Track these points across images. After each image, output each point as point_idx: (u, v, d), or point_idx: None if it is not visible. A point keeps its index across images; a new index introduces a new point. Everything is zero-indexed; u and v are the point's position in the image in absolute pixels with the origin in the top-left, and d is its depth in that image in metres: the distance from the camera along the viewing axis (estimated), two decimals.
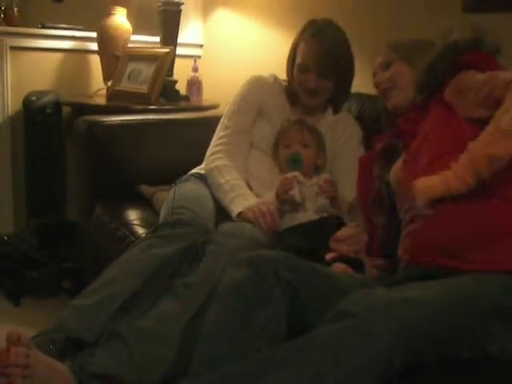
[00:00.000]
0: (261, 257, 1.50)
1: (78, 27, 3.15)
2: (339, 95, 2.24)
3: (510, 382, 1.34)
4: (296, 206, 2.02)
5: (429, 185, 1.55)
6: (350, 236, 1.83)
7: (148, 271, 1.72)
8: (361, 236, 1.83)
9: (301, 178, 2.04)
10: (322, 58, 2.10)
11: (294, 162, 2.09)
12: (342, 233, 1.85)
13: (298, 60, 2.16)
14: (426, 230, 1.56)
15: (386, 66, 1.94)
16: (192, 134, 2.58)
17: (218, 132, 2.23)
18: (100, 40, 3.08)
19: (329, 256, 1.78)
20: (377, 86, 1.98)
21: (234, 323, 1.42)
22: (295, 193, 2.01)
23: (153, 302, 1.68)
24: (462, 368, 1.32)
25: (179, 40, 3.17)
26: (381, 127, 2.23)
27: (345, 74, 2.19)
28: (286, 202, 2.01)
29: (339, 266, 1.73)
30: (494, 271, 1.43)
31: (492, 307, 1.38)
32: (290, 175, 2.05)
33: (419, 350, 1.27)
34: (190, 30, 3.46)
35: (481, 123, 1.58)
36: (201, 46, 3.50)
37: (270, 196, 2.04)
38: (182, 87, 3.19)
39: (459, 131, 1.63)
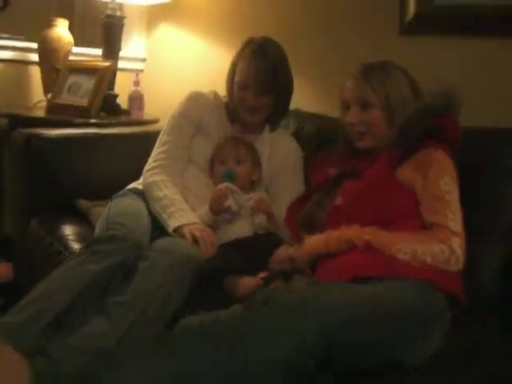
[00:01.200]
0: None
1: (19, 37, 3.09)
2: (277, 113, 2.25)
3: None
4: (233, 215, 2.02)
5: (313, 246, 1.74)
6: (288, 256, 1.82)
7: (79, 287, 1.69)
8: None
9: (233, 187, 2.05)
10: (260, 75, 2.11)
11: (229, 178, 2.08)
12: (280, 253, 1.83)
13: (238, 77, 2.17)
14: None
15: (363, 106, 1.88)
16: (132, 149, 2.55)
17: (157, 147, 2.22)
18: (41, 51, 3.02)
19: (260, 275, 1.77)
20: (351, 124, 1.91)
21: None
22: (231, 202, 2.01)
23: (84, 319, 1.65)
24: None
25: (122, 53, 3.14)
26: (320, 144, 2.27)
27: (283, 91, 2.20)
28: (221, 213, 2.02)
29: None
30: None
31: (402, 315, 1.47)
32: (221, 186, 2.05)
33: (331, 356, 1.37)
34: (133, 44, 3.44)
35: None
36: (143, 60, 3.48)
37: (203, 210, 2.04)
38: (123, 101, 3.16)
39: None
